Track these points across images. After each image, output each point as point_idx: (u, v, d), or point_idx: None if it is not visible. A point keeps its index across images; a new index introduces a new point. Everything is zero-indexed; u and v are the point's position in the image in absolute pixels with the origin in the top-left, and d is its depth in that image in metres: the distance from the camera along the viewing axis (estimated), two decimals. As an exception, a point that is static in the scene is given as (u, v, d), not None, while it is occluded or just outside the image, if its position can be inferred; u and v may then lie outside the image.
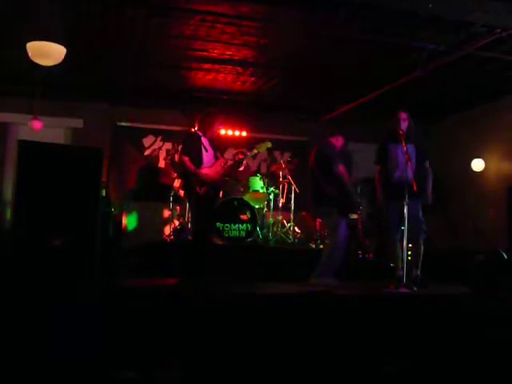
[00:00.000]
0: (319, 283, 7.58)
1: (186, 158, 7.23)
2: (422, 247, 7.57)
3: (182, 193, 9.48)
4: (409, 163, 7.06)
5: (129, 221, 10.58)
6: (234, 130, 12.55)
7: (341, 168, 7.81)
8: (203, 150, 7.36)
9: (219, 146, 7.64)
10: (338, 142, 8.10)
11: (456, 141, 12.26)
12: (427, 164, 7.70)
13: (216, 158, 7.51)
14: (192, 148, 7.34)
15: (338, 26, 7.86)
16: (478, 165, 11.55)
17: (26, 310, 4.74)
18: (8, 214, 9.57)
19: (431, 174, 7.73)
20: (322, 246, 9.54)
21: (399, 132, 7.34)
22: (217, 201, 7.71)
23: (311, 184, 8.32)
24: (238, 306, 5.54)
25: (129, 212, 10.61)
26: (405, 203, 7.13)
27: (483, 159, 11.52)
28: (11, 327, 4.62)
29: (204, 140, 7.44)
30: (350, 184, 7.89)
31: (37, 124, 10.57)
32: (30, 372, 4.27)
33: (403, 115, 7.57)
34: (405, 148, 7.15)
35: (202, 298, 5.72)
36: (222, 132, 12.33)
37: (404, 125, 7.51)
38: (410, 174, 7.07)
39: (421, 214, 7.57)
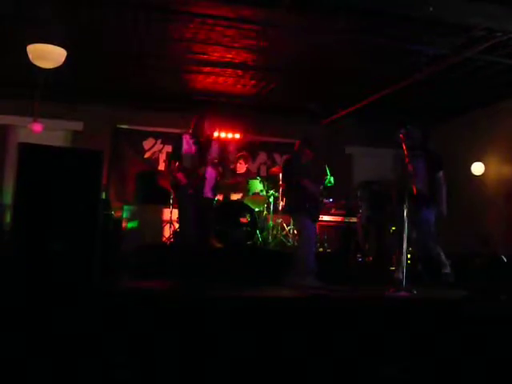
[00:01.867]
0: (304, 284, 7.63)
1: (172, 161, 7.39)
2: (436, 247, 7.72)
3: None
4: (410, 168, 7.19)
5: (129, 223, 10.56)
6: (234, 133, 12.55)
7: (304, 182, 7.98)
8: (186, 151, 7.36)
9: (216, 148, 7.50)
10: (306, 154, 8.19)
11: (456, 144, 12.26)
12: (440, 174, 7.75)
13: (203, 160, 7.39)
14: (175, 150, 7.46)
15: (337, 30, 7.88)
16: (477, 168, 11.55)
17: (26, 313, 4.74)
18: (8, 216, 9.55)
19: (444, 185, 7.77)
20: (321, 249, 9.54)
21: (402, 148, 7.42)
22: (208, 204, 7.54)
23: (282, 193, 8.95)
24: (237, 310, 5.53)
25: (129, 215, 10.59)
26: (405, 207, 7.17)
27: (483, 163, 11.52)
28: (11, 330, 4.63)
29: (188, 142, 7.42)
30: (315, 193, 8.02)
31: (37, 126, 10.57)
32: (29, 374, 4.27)
33: (401, 137, 7.58)
34: (406, 158, 7.28)
35: (200, 301, 5.72)
36: (223, 135, 12.36)
37: (406, 143, 7.57)
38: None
39: (431, 223, 7.70)
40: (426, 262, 8.06)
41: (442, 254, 7.87)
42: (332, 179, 8.48)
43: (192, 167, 7.28)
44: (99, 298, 4.98)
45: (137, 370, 4.54)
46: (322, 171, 8.53)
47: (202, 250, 7.38)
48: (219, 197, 10.29)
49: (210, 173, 7.39)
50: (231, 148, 12.39)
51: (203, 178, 7.28)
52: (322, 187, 8.35)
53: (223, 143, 7.47)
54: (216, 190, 7.67)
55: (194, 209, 7.27)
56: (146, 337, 4.87)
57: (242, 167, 10.84)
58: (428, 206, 7.77)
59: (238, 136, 12.58)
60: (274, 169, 11.11)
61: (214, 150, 7.42)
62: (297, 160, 8.22)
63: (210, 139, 7.42)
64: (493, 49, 8.17)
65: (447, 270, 7.76)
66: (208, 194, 7.41)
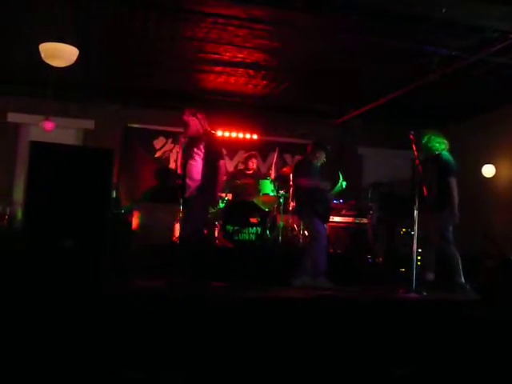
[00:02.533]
0: (313, 285, 7.64)
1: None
2: (452, 253, 7.85)
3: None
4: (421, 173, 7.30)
5: (139, 222, 10.58)
6: (244, 133, 12.54)
7: (301, 181, 8.13)
8: (180, 151, 7.36)
9: (205, 147, 7.36)
10: (318, 157, 8.23)
11: (467, 146, 12.20)
12: (450, 179, 7.72)
13: (190, 159, 7.27)
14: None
15: (350, 31, 7.86)
16: (488, 170, 11.50)
17: (36, 309, 4.75)
18: (19, 214, 9.60)
19: (454, 190, 7.73)
20: (331, 250, 9.53)
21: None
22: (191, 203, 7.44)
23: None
24: (247, 310, 5.53)
25: (139, 213, 10.60)
26: (415, 208, 7.23)
27: (494, 165, 11.47)
28: (20, 326, 4.64)
29: (181, 141, 7.42)
30: (319, 193, 8.07)
31: (48, 125, 10.60)
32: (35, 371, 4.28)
33: (412, 137, 7.60)
34: (416, 159, 7.35)
35: (212, 302, 5.72)
36: (233, 135, 12.37)
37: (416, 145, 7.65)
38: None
39: (443, 228, 7.71)
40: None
41: (459, 262, 7.81)
42: (344, 184, 8.47)
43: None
44: (108, 296, 4.98)
45: (144, 370, 4.55)
46: (335, 175, 8.52)
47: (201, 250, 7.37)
48: (229, 197, 10.29)
49: (196, 170, 7.27)
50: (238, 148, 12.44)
51: (183, 177, 7.23)
52: (331, 192, 8.39)
53: (213, 139, 7.23)
54: (208, 187, 7.28)
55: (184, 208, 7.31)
56: (154, 337, 4.88)
57: (251, 167, 10.84)
58: (439, 210, 7.75)
59: (248, 136, 12.57)
60: (284, 169, 11.09)
61: (202, 145, 7.31)
62: (307, 162, 8.24)
63: (199, 136, 7.32)
64: (506, 51, 8.12)
65: (461, 279, 7.72)
66: (193, 192, 7.29)
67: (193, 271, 6.87)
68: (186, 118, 7.33)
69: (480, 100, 11.07)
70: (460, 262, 7.78)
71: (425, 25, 7.54)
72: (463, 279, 7.67)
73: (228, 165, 12.72)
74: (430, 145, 8.05)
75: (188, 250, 7.08)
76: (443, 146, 8.09)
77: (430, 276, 7.85)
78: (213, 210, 9.18)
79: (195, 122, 7.31)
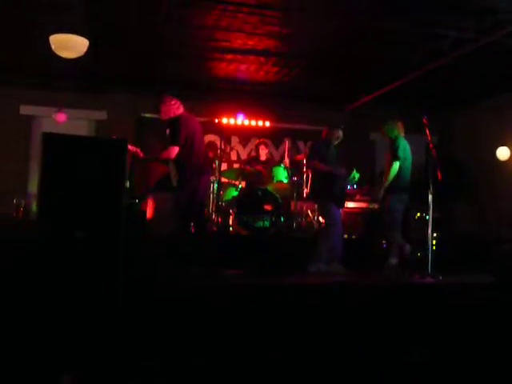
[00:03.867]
0: (329, 271, 7.65)
1: None
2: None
3: None
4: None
5: (153, 212, 10.59)
6: (256, 120, 12.53)
7: (317, 164, 8.17)
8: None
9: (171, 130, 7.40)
10: (333, 142, 8.26)
11: (481, 129, 12.16)
12: (393, 163, 8.12)
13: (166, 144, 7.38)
14: None
15: (360, 15, 7.82)
16: (503, 153, 11.43)
17: (52, 301, 4.78)
18: (34, 206, 9.63)
19: (390, 172, 8.14)
20: (345, 236, 9.52)
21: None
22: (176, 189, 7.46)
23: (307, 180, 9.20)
24: (263, 297, 5.54)
25: (153, 203, 10.61)
26: (430, 192, 7.26)
27: (509, 148, 11.40)
28: (36, 318, 4.67)
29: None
30: (336, 177, 8.14)
31: (61, 116, 10.63)
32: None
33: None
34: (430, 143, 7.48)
35: (227, 290, 5.74)
36: (246, 122, 12.35)
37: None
38: None
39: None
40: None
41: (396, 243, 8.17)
42: (357, 176, 8.48)
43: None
44: (123, 287, 5.00)
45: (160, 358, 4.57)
46: (351, 162, 8.53)
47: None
48: (243, 184, 10.29)
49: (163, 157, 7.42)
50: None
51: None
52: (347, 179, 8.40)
53: (178, 123, 7.24)
54: (185, 170, 7.35)
55: None
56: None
57: (263, 154, 10.84)
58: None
59: (260, 123, 12.55)
60: (297, 156, 11.07)
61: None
62: (323, 146, 8.22)
63: (171, 120, 7.35)
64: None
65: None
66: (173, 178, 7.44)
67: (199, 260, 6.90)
68: (160, 104, 7.54)
69: (493, 82, 10.98)
70: (397, 243, 8.04)
71: (437, 7, 7.49)
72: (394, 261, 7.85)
73: (241, 152, 12.75)
74: (385, 131, 8.48)
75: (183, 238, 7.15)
76: (395, 133, 8.30)
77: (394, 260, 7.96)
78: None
79: (165, 108, 7.47)
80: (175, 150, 7.10)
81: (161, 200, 10.66)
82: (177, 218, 7.29)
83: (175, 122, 7.24)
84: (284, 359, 4.75)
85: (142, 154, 7.25)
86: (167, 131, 7.31)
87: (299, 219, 10.18)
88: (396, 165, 7.96)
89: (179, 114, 7.35)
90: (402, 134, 8.30)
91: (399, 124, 8.33)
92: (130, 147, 7.05)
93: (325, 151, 8.16)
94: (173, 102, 7.40)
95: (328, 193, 7.92)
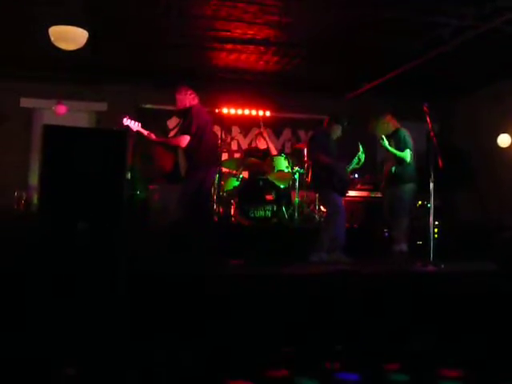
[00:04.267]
0: (331, 260, 7.65)
1: None
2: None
3: None
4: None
5: (154, 203, 10.60)
6: (257, 110, 12.52)
7: (320, 156, 8.11)
8: None
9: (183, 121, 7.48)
10: (334, 131, 8.22)
11: (482, 116, 12.14)
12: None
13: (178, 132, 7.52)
14: None
15: (360, 3, 7.80)
16: (504, 140, 11.42)
17: (52, 294, 4.79)
18: (35, 199, 9.65)
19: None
20: (347, 225, 9.52)
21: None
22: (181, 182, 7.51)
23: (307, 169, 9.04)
24: (264, 287, 5.55)
25: (154, 194, 10.62)
26: (431, 180, 7.25)
27: (510, 135, 11.38)
28: (36, 311, 4.68)
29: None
30: (337, 167, 8.09)
31: (61, 108, 10.63)
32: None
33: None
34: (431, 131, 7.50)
35: (228, 280, 5.74)
36: (246, 112, 12.34)
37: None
38: None
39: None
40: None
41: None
42: (363, 157, 8.42)
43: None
44: (125, 278, 5.01)
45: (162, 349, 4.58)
46: (354, 148, 8.48)
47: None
48: (244, 174, 10.29)
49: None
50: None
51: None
52: (348, 165, 8.36)
53: (192, 113, 7.29)
54: (187, 164, 7.42)
55: None
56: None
57: (261, 144, 10.84)
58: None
59: (261, 113, 12.54)
60: (298, 144, 11.07)
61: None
62: (324, 136, 8.20)
63: (185, 110, 7.40)
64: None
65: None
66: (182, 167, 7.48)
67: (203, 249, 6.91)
68: (176, 94, 7.52)
69: (493, 69, 10.95)
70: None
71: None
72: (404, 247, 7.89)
73: (242, 142, 12.75)
74: (378, 130, 8.50)
75: (188, 229, 7.17)
76: (390, 127, 8.41)
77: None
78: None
79: (181, 97, 7.47)
80: (186, 138, 7.16)
81: (167, 191, 10.69)
82: (182, 207, 7.30)
83: (189, 112, 7.30)
84: (286, 349, 4.76)
85: (154, 137, 7.29)
86: (180, 121, 7.38)
87: (301, 209, 10.17)
88: (407, 152, 7.97)
89: (193, 104, 7.39)
90: (399, 125, 8.29)
91: (389, 117, 8.33)
92: (142, 130, 7.13)
93: (326, 141, 8.13)
94: (189, 93, 7.49)
95: (329, 181, 7.90)
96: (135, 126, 7.20)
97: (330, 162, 7.92)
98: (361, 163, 8.42)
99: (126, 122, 7.13)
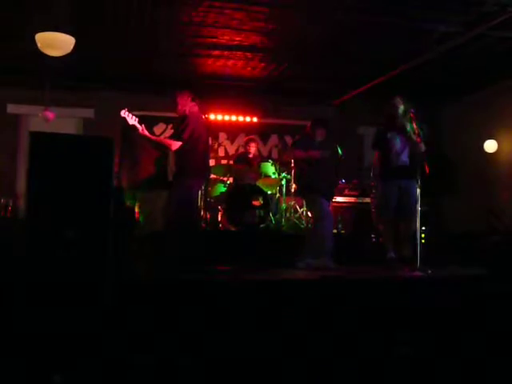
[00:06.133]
0: (318, 266, 7.63)
1: None
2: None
3: None
4: (406, 148, 7.33)
5: (142, 210, 10.59)
6: (244, 116, 12.55)
7: (297, 153, 8.08)
8: None
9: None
10: (318, 134, 8.13)
11: (468, 122, 12.19)
12: (423, 148, 7.68)
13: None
14: None
15: (346, 10, 7.83)
16: (490, 146, 11.48)
17: (41, 300, 4.77)
18: (21, 206, 9.62)
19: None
20: (335, 231, 9.54)
21: (411, 115, 7.48)
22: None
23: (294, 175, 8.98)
24: (251, 293, 5.55)
25: (141, 201, 10.61)
26: (417, 186, 7.24)
27: (496, 140, 11.45)
28: (26, 318, 4.66)
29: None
30: (323, 173, 7.96)
31: (48, 115, 10.59)
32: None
33: (398, 100, 7.70)
34: (418, 137, 7.37)
35: (213, 285, 5.74)
36: (233, 118, 12.39)
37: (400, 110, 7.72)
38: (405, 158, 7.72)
39: (416, 194, 7.66)
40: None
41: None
42: (340, 151, 8.31)
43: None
44: (112, 286, 5.00)
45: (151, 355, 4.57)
46: (334, 152, 8.45)
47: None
48: (230, 180, 10.30)
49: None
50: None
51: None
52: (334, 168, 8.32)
53: (188, 120, 7.27)
54: (183, 166, 7.32)
55: None
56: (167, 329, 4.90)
57: (253, 150, 10.84)
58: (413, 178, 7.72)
59: (248, 119, 12.57)
60: (286, 156, 11.10)
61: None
62: (307, 140, 8.17)
63: (183, 116, 7.38)
64: (505, 24, 8.08)
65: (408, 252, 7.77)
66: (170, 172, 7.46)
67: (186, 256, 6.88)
68: (178, 98, 7.51)
69: (480, 76, 11.01)
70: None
71: (422, 1, 7.52)
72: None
73: (229, 148, 12.76)
74: None
75: (172, 236, 7.14)
76: None
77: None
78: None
79: (183, 102, 7.46)
80: (177, 143, 7.14)
81: (153, 198, 10.68)
82: (168, 214, 7.29)
83: (186, 119, 7.28)
84: (271, 355, 4.76)
85: (148, 133, 7.28)
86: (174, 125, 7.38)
87: (288, 214, 10.18)
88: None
89: (192, 111, 7.38)
90: None
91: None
92: (137, 125, 7.11)
93: (307, 142, 8.07)
94: (190, 99, 7.48)
95: (314, 186, 7.87)
96: (132, 120, 7.16)
97: (310, 156, 7.85)
98: (340, 156, 8.31)
99: (124, 114, 7.10)
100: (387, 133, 7.84)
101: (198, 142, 7.28)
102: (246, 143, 10.98)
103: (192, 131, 7.20)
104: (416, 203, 7.53)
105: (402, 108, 7.81)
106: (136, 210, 9.74)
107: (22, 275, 4.83)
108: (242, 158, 10.80)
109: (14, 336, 4.54)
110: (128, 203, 9.06)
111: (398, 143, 7.78)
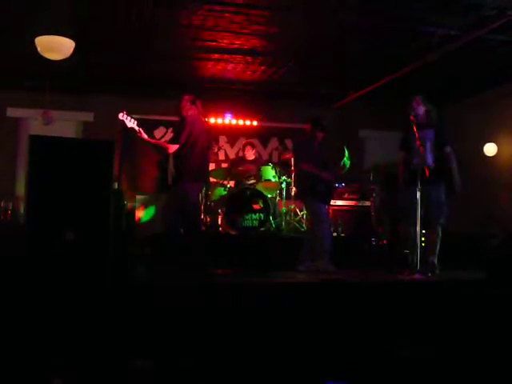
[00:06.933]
0: (317, 269, 7.62)
1: None
2: (440, 234, 7.59)
3: None
4: (421, 149, 7.16)
5: (141, 213, 10.58)
6: (244, 120, 12.55)
7: (305, 166, 7.99)
8: None
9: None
10: (318, 137, 8.13)
11: (468, 125, 12.19)
12: (448, 149, 7.62)
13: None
14: None
15: (347, 12, 7.83)
16: (490, 149, 11.48)
17: (41, 303, 4.77)
18: (22, 209, 9.62)
19: (454, 160, 7.64)
20: (335, 234, 9.53)
21: (410, 118, 7.40)
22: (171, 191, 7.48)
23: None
24: (252, 296, 5.54)
25: (141, 204, 10.60)
26: (417, 189, 7.18)
27: (496, 144, 11.45)
28: (27, 321, 4.66)
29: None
30: (322, 174, 7.96)
31: (48, 118, 10.58)
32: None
33: (417, 100, 7.65)
34: (416, 134, 7.23)
35: (215, 288, 5.73)
36: (233, 122, 12.41)
37: (419, 109, 7.59)
38: (428, 159, 7.39)
39: (442, 199, 7.60)
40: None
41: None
42: (348, 163, 8.35)
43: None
44: (112, 289, 5.00)
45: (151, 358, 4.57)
46: (339, 153, 8.45)
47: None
48: (231, 183, 10.29)
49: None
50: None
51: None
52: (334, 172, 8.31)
53: (186, 122, 7.27)
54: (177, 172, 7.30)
55: None
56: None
57: (249, 154, 10.82)
58: (438, 182, 7.62)
59: (248, 123, 12.57)
60: (285, 155, 11.09)
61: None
62: (308, 142, 8.16)
63: (181, 119, 7.38)
64: (504, 28, 8.09)
65: (435, 260, 7.64)
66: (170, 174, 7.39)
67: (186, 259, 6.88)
68: (179, 101, 7.51)
69: (480, 78, 11.02)
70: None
71: (423, 4, 7.52)
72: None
73: (229, 152, 12.75)
74: None
75: (171, 239, 7.14)
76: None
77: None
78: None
79: (182, 105, 7.46)
80: (174, 146, 7.15)
81: (155, 201, 10.68)
82: (167, 216, 7.28)
83: (183, 121, 7.29)
84: (273, 358, 4.75)
85: (146, 136, 7.26)
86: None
87: (288, 218, 10.17)
88: None
89: (190, 114, 7.37)
90: None
91: None
92: (136, 128, 7.11)
93: (311, 147, 8.07)
94: (190, 102, 7.48)
95: (312, 190, 7.87)
96: (130, 122, 7.15)
97: (314, 170, 7.87)
98: (345, 169, 8.38)
99: (122, 117, 7.09)
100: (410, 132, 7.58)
101: (194, 146, 7.26)
102: (243, 147, 11.01)
103: (188, 134, 7.19)
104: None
105: (421, 109, 7.73)
106: (136, 212, 9.74)
107: (22, 278, 4.83)
108: (241, 162, 10.78)
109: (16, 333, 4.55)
110: (128, 206, 9.04)
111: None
